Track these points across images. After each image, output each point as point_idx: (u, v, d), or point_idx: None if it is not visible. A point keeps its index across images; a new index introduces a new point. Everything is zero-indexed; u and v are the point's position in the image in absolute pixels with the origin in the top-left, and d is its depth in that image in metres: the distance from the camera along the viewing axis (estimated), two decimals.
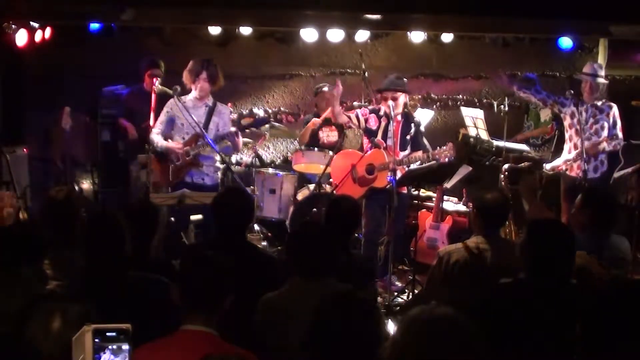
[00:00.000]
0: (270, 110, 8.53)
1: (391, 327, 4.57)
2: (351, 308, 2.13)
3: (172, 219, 5.97)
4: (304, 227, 3.61)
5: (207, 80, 6.00)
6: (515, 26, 7.24)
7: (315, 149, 7.04)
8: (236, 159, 6.77)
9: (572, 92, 6.34)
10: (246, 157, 7.76)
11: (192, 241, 6.08)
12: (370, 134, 6.24)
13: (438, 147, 6.08)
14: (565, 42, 7.86)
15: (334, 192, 6.09)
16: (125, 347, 2.12)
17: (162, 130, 6.09)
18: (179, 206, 5.66)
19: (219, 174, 6.26)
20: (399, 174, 6.07)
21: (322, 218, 4.61)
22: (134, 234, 3.33)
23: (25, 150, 7.13)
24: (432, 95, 8.61)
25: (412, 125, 6.25)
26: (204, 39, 8.00)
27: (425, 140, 6.35)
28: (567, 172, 6.35)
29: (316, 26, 7.45)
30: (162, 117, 6.10)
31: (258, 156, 7.49)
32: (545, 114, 7.62)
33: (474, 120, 7.60)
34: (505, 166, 6.74)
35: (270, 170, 7.48)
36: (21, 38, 6.62)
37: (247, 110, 8.35)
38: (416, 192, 6.95)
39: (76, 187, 7.61)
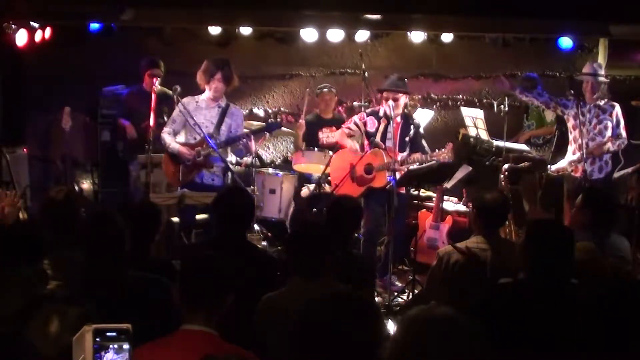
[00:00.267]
0: (270, 110, 8.54)
1: (391, 327, 4.59)
2: (349, 308, 2.13)
3: (177, 218, 5.98)
4: (304, 227, 3.62)
5: (222, 81, 5.99)
6: (515, 26, 7.25)
7: (315, 149, 7.03)
8: (236, 158, 6.76)
9: (573, 92, 6.34)
10: (246, 157, 7.76)
11: (193, 241, 6.08)
12: (370, 136, 6.27)
13: (437, 150, 6.07)
14: (565, 42, 7.87)
15: (334, 192, 6.08)
16: (126, 346, 2.13)
17: (173, 129, 6.09)
18: (179, 207, 5.67)
19: (228, 174, 6.24)
20: (397, 175, 6.07)
21: (322, 218, 4.61)
22: (134, 234, 3.33)
23: (25, 150, 7.13)
24: (432, 95, 8.61)
25: (412, 126, 6.24)
26: (204, 39, 8.00)
27: (424, 142, 6.35)
28: (572, 174, 6.34)
29: (316, 26, 7.45)
30: (174, 116, 6.10)
31: (258, 156, 7.49)
32: (550, 115, 7.61)
33: (474, 120, 7.60)
34: (505, 166, 6.74)
35: (270, 170, 7.48)
36: (21, 38, 6.63)
37: (247, 111, 8.35)
38: (416, 192, 6.95)
39: (76, 187, 7.62)
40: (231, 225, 3.90)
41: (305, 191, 6.98)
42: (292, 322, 2.16)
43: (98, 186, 7.66)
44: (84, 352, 2.09)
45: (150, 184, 6.07)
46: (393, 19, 6.92)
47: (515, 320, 2.95)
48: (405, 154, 6.16)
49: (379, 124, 6.23)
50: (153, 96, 6.16)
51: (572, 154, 6.39)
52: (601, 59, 7.99)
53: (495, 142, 7.36)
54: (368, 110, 6.47)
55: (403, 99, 6.22)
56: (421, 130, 6.39)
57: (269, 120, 8.19)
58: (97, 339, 2.10)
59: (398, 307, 5.49)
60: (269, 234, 7.26)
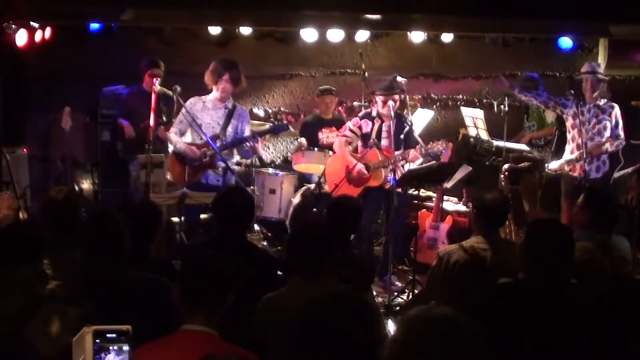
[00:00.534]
0: (270, 110, 8.53)
1: (391, 327, 4.59)
2: (348, 308, 2.12)
3: (177, 218, 5.98)
4: (304, 227, 3.61)
5: (230, 82, 6.01)
6: (515, 26, 7.24)
7: (315, 149, 7.04)
8: (236, 158, 6.77)
9: (573, 92, 6.33)
10: (251, 158, 7.75)
11: (194, 241, 6.07)
12: (366, 138, 6.32)
13: (431, 142, 6.13)
14: (565, 42, 7.87)
15: (332, 195, 6.10)
16: (126, 348, 2.12)
17: (179, 129, 6.10)
18: (179, 207, 5.67)
19: (234, 175, 6.23)
20: (393, 174, 6.12)
21: (322, 218, 4.62)
22: (134, 234, 3.33)
23: (25, 150, 7.13)
24: (432, 95, 8.61)
25: (405, 124, 6.28)
26: (204, 39, 8.00)
27: (417, 137, 6.38)
28: (570, 173, 6.34)
29: (316, 26, 7.45)
30: (181, 116, 6.10)
31: (258, 156, 7.49)
32: (550, 115, 7.61)
33: (474, 120, 7.60)
34: (505, 166, 6.74)
35: (270, 170, 7.48)
36: (21, 38, 6.63)
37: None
38: (416, 192, 6.95)
39: (76, 187, 7.61)
40: (231, 225, 3.90)
41: (298, 199, 6.96)
42: (292, 322, 2.15)
43: (98, 186, 7.66)
44: (84, 354, 2.09)
45: (150, 184, 6.07)
46: (393, 19, 6.92)
47: (515, 320, 2.94)
48: (400, 151, 6.18)
49: (373, 124, 6.28)
50: (153, 96, 6.16)
51: (569, 153, 6.39)
52: (601, 59, 7.99)
53: (495, 142, 7.36)
54: (360, 114, 6.52)
55: (397, 97, 6.27)
56: (414, 127, 6.43)
57: (271, 120, 8.19)
58: (97, 341, 2.10)
59: (398, 307, 5.49)
60: (269, 234, 7.25)
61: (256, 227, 7.14)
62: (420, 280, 5.47)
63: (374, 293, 5.22)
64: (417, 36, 7.94)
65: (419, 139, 6.33)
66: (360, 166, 6.23)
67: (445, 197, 6.83)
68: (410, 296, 5.68)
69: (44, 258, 3.30)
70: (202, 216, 6.23)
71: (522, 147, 7.54)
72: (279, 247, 6.74)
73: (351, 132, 6.38)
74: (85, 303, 2.35)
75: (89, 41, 7.70)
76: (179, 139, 6.08)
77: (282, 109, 8.53)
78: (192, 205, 5.69)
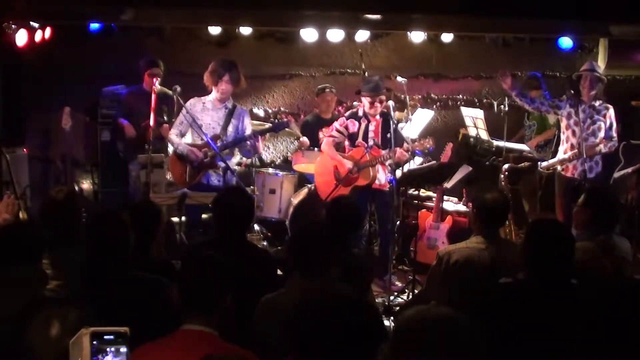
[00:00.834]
0: (270, 110, 8.53)
1: (390, 327, 4.58)
2: (347, 308, 2.12)
3: (177, 218, 5.98)
4: (305, 227, 3.61)
5: (230, 82, 6.01)
6: (515, 26, 7.24)
7: (315, 149, 7.04)
8: (237, 159, 6.77)
9: (572, 92, 6.34)
10: (253, 157, 7.75)
11: (193, 241, 6.07)
12: (353, 138, 6.33)
13: (418, 140, 6.20)
14: (565, 42, 7.87)
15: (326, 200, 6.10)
16: (123, 349, 2.11)
17: (180, 131, 6.11)
18: (179, 207, 5.67)
19: (234, 176, 6.24)
20: (383, 172, 6.22)
21: (323, 218, 4.62)
22: (135, 234, 3.33)
23: (25, 150, 7.13)
24: (432, 95, 8.61)
25: (391, 123, 6.30)
26: (204, 39, 8.01)
27: (404, 136, 6.41)
28: (563, 173, 6.34)
29: (316, 26, 7.45)
30: (181, 117, 6.10)
31: (259, 156, 7.50)
32: (552, 117, 7.60)
33: (474, 120, 7.60)
34: (505, 166, 6.74)
35: (270, 170, 7.49)
36: (21, 38, 6.62)
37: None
38: (416, 192, 6.95)
39: (76, 187, 7.61)
40: (231, 225, 3.90)
41: (298, 199, 6.97)
42: (290, 322, 2.15)
43: (98, 186, 7.66)
44: (81, 356, 2.08)
45: (150, 184, 6.07)
46: (393, 19, 6.91)
47: (515, 320, 2.95)
48: (387, 150, 6.20)
49: (360, 124, 6.29)
50: (153, 96, 6.16)
51: (563, 153, 6.39)
52: (601, 59, 7.99)
53: (495, 142, 7.36)
54: (347, 114, 6.53)
55: (383, 98, 6.31)
56: (399, 125, 6.45)
57: (270, 120, 8.19)
58: (95, 342, 2.08)
59: (398, 307, 5.49)
60: (269, 234, 7.26)
61: (256, 227, 7.14)
62: (420, 280, 5.47)
63: (374, 293, 5.22)
64: (417, 36, 7.94)
65: (406, 139, 6.33)
66: (348, 166, 6.24)
67: (445, 197, 6.83)
68: (410, 296, 5.68)
69: (43, 258, 3.30)
70: (203, 216, 6.23)
71: (522, 147, 7.53)
72: (279, 247, 6.75)
73: (338, 132, 6.39)
74: (85, 305, 2.35)
75: (89, 41, 7.70)
76: (180, 141, 6.09)
77: (282, 109, 8.53)
78: (193, 205, 5.69)
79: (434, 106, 8.47)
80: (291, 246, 3.43)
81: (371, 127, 6.29)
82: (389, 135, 6.24)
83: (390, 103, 6.19)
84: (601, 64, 7.66)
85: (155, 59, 6.95)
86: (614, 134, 6.27)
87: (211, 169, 6.04)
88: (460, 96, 8.64)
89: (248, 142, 6.03)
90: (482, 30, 7.74)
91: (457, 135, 7.76)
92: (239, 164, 7.05)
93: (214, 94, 6.08)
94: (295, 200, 6.99)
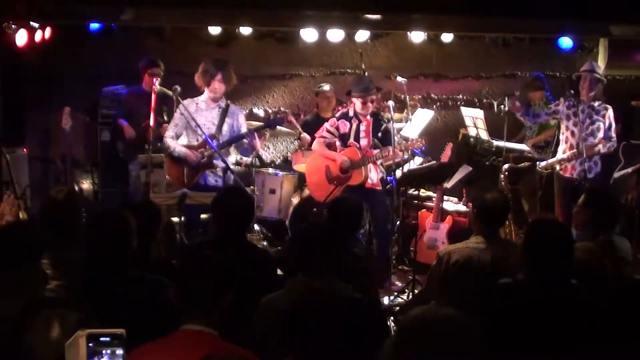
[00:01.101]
0: (270, 110, 8.53)
1: (390, 327, 4.58)
2: (348, 308, 2.13)
3: (177, 218, 5.97)
4: (305, 227, 3.61)
5: (223, 81, 6.00)
6: (515, 26, 7.24)
7: None
8: (236, 158, 6.77)
9: (572, 92, 6.34)
10: (252, 155, 7.75)
11: (193, 240, 6.07)
12: (344, 138, 6.33)
13: (410, 140, 6.22)
14: (565, 42, 7.88)
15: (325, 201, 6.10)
16: (120, 352, 2.09)
17: (175, 133, 6.09)
18: (179, 207, 5.66)
19: (233, 174, 6.23)
20: (375, 171, 6.20)
21: (323, 218, 4.62)
22: (136, 234, 3.33)
23: (25, 150, 7.13)
24: (432, 95, 8.61)
25: (381, 122, 6.30)
26: (204, 39, 8.01)
27: (395, 135, 6.42)
28: (562, 173, 6.34)
29: (316, 26, 7.45)
30: (176, 119, 6.09)
31: (258, 156, 7.50)
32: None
33: (474, 120, 7.60)
34: (505, 166, 6.74)
35: (270, 170, 7.49)
36: (21, 38, 6.62)
37: (247, 111, 8.35)
38: (416, 192, 6.95)
39: (76, 187, 7.61)
40: (230, 225, 3.90)
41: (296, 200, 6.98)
42: (290, 322, 2.15)
43: (98, 186, 7.66)
44: (77, 358, 2.07)
45: (150, 184, 6.06)
46: (393, 19, 6.91)
47: (514, 320, 2.94)
48: (378, 150, 6.20)
49: (351, 124, 6.29)
50: (153, 96, 6.16)
51: (562, 153, 6.39)
52: (601, 59, 7.99)
53: (495, 142, 7.36)
54: (337, 114, 6.51)
55: (373, 98, 6.32)
56: (397, 126, 6.47)
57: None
58: (91, 345, 2.07)
59: (398, 307, 5.49)
60: (269, 234, 7.25)
61: (256, 227, 7.14)
62: (420, 280, 5.47)
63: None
64: (417, 36, 7.95)
65: (397, 138, 6.33)
66: (337, 170, 6.24)
67: (445, 197, 6.83)
68: (410, 296, 5.68)
69: (43, 258, 3.29)
70: (202, 216, 6.22)
71: (522, 147, 7.54)
72: (279, 247, 6.75)
73: (329, 133, 6.39)
74: (85, 306, 2.34)
75: (89, 41, 7.70)
76: (176, 144, 6.05)
77: (282, 109, 8.53)
78: (192, 205, 5.68)
79: (434, 106, 8.47)
80: (292, 246, 3.42)
81: (362, 127, 6.27)
82: (379, 134, 6.25)
83: (390, 103, 6.18)
84: (601, 64, 7.66)
85: (155, 59, 6.95)
86: (613, 135, 6.28)
87: (208, 169, 6.03)
88: (460, 96, 8.65)
89: (245, 140, 6.02)
90: (482, 30, 7.74)
91: (457, 135, 7.76)
92: (238, 163, 7.04)
93: (207, 94, 6.07)
94: (295, 200, 6.99)
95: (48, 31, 7.04)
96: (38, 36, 6.88)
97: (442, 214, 6.64)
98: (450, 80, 8.65)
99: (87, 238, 3.31)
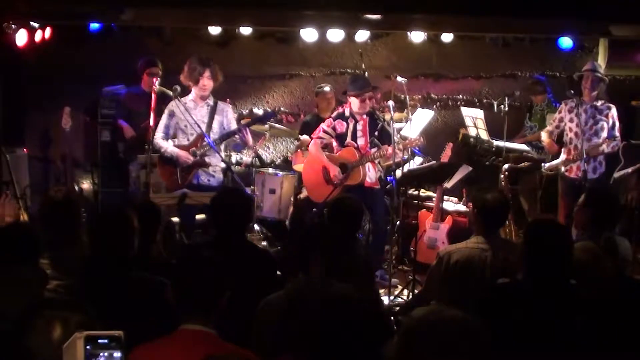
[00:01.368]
0: (270, 110, 8.53)
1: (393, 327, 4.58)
2: (349, 308, 2.12)
3: (177, 218, 5.97)
4: (306, 227, 3.61)
5: (210, 78, 6.00)
6: (515, 26, 7.24)
7: None
8: (236, 158, 6.77)
9: (573, 92, 6.34)
10: (246, 157, 7.76)
11: (192, 241, 6.07)
12: (341, 138, 6.33)
13: (408, 138, 6.23)
14: (565, 42, 7.87)
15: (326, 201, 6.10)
16: (117, 354, 2.07)
17: (165, 134, 6.07)
18: (179, 207, 5.66)
19: (232, 173, 6.22)
20: (373, 170, 6.21)
21: (322, 218, 4.62)
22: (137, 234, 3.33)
23: (25, 150, 7.13)
24: (432, 95, 8.61)
25: (377, 121, 6.30)
26: (204, 39, 8.00)
27: (393, 134, 6.42)
28: (567, 174, 6.34)
29: (316, 26, 7.45)
30: (165, 120, 6.08)
31: (258, 156, 7.49)
32: (552, 118, 7.61)
33: (474, 120, 7.59)
34: (505, 166, 6.74)
35: (270, 170, 7.48)
36: (21, 38, 6.62)
37: (247, 111, 8.35)
38: (416, 192, 6.95)
39: (76, 187, 7.61)
40: (229, 225, 3.90)
41: (304, 193, 6.98)
42: (290, 321, 2.15)
43: (98, 186, 7.64)
44: None
45: (150, 184, 6.06)
46: (393, 19, 6.92)
47: (514, 320, 2.94)
48: (376, 148, 6.20)
49: (348, 124, 6.30)
50: (153, 96, 6.15)
51: (565, 153, 6.39)
52: (601, 59, 7.99)
53: (495, 142, 7.36)
54: (334, 115, 6.52)
55: (370, 95, 6.34)
56: (386, 123, 6.47)
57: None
58: (88, 347, 2.05)
59: (398, 307, 5.49)
60: (269, 234, 7.25)
61: (256, 227, 7.14)
62: (420, 280, 5.47)
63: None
64: (417, 36, 7.94)
65: (396, 137, 6.34)
66: (335, 170, 6.24)
67: (445, 197, 6.83)
68: (410, 296, 5.68)
69: (43, 258, 3.30)
70: (198, 217, 6.20)
71: (522, 147, 7.54)
72: (279, 247, 6.74)
73: (325, 134, 6.39)
74: (86, 309, 2.33)
75: (89, 41, 7.70)
76: (168, 144, 6.03)
77: (282, 109, 8.53)
78: (189, 205, 5.69)
79: (434, 106, 8.47)
80: (291, 246, 3.42)
81: (359, 127, 6.29)
82: (376, 133, 6.25)
83: (390, 103, 6.18)
84: (601, 64, 7.65)
85: (153, 58, 6.94)
86: (617, 134, 6.27)
87: (200, 167, 6.02)
88: (460, 96, 8.64)
89: (237, 136, 6.02)
90: (482, 30, 7.74)
91: (457, 135, 7.75)
92: (239, 163, 7.04)
93: (194, 93, 6.07)
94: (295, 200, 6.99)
95: (48, 31, 7.04)
96: (38, 36, 6.88)
97: (442, 214, 6.64)
98: (450, 80, 8.65)
99: (89, 237, 3.30)
